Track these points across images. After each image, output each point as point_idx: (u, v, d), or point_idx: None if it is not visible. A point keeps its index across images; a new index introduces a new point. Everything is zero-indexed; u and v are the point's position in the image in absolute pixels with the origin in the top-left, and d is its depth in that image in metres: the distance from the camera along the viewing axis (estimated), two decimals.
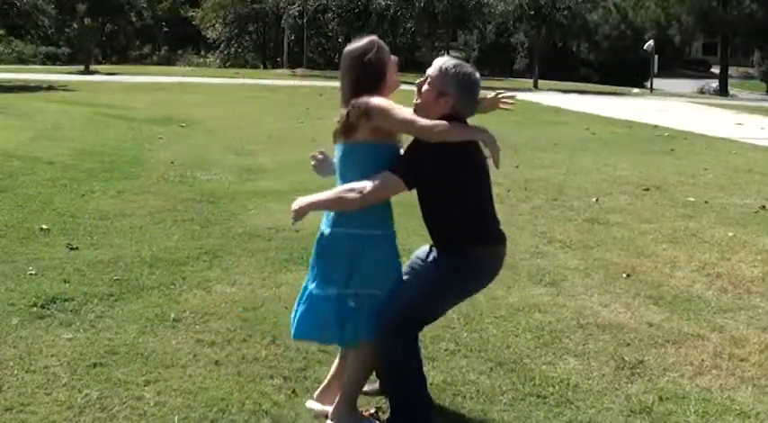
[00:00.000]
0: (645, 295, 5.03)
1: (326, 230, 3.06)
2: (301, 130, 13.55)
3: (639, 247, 6.22)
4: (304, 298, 3.13)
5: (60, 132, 11.94)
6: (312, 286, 3.09)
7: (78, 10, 38.16)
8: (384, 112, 2.95)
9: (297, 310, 3.15)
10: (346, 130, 3.01)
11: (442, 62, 3.11)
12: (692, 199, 8.29)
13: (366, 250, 3.00)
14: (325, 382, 3.34)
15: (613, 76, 50.77)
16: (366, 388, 3.31)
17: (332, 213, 3.07)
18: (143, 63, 51.13)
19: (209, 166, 9.35)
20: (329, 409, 3.21)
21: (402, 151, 3.08)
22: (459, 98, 3.05)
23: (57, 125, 12.84)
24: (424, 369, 3.23)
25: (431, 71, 3.10)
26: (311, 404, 3.31)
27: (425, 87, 3.07)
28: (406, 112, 2.99)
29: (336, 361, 3.34)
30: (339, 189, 3.03)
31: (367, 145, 2.99)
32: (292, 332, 3.19)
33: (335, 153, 3.14)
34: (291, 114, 16.59)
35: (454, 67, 3.07)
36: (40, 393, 3.37)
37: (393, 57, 3.11)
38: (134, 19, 54.59)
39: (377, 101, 2.96)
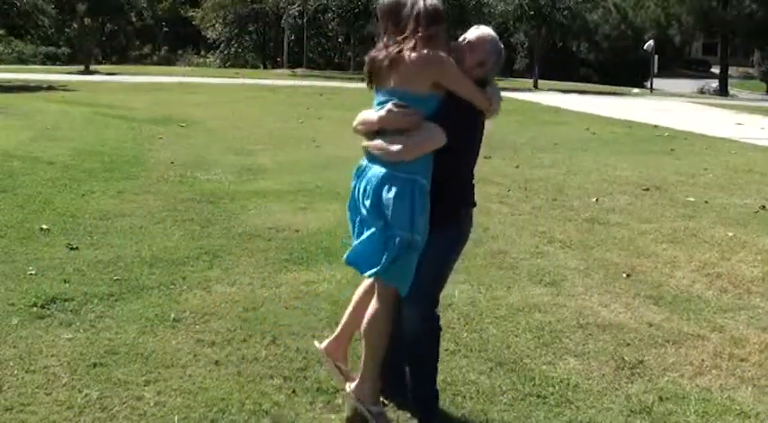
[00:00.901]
0: (645, 295, 5.03)
1: (396, 174, 2.97)
2: (301, 130, 13.55)
3: (639, 247, 6.22)
4: (370, 236, 3.03)
5: (60, 132, 11.93)
6: (376, 229, 3.00)
7: (78, 10, 38.12)
8: (454, 76, 2.98)
9: (360, 245, 3.08)
10: (393, 64, 2.93)
11: (488, 32, 3.16)
12: (692, 199, 8.29)
13: (425, 198, 2.99)
14: (336, 333, 3.35)
15: (613, 76, 50.75)
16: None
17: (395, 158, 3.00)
18: (143, 63, 51.12)
19: (209, 166, 9.34)
20: (339, 364, 3.28)
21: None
22: (492, 69, 3.14)
23: (57, 125, 12.83)
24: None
25: (473, 37, 3.12)
26: (318, 344, 3.36)
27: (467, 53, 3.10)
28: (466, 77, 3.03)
29: (348, 312, 3.32)
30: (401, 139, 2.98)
31: (423, 97, 2.97)
32: (350, 257, 3.12)
33: (379, 98, 3.05)
34: (291, 114, 16.59)
35: (497, 39, 3.17)
36: (40, 393, 3.37)
37: None
38: (134, 19, 54.60)
39: (446, 57, 2.97)
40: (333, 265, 5.35)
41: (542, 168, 10.14)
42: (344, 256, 3.16)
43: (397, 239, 2.96)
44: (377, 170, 3.01)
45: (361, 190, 3.07)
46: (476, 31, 3.16)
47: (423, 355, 3.23)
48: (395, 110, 2.97)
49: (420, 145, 2.96)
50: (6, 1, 28.84)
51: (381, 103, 3.04)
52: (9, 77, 25.44)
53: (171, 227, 6.34)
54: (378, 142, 3.01)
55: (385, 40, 3.03)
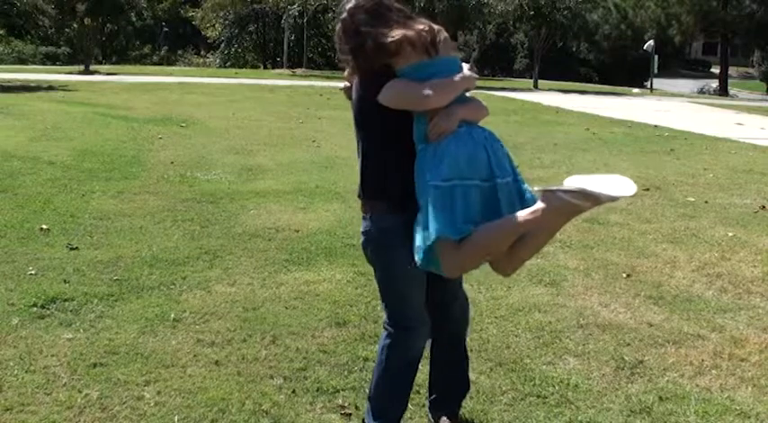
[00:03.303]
0: (645, 295, 5.03)
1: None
2: (301, 130, 13.54)
3: (639, 247, 6.22)
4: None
5: (60, 132, 11.93)
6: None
7: (78, 10, 38.06)
8: None
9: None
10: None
11: None
12: (692, 199, 8.29)
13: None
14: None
15: (613, 76, 50.72)
16: None
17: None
18: (143, 63, 51.08)
19: (209, 166, 9.34)
20: None
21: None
22: None
23: (57, 125, 12.82)
24: (427, 368, 3.27)
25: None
26: None
27: None
28: None
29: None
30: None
31: None
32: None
33: (441, 65, 2.85)
34: (291, 114, 16.58)
35: None
36: (40, 393, 3.37)
37: None
38: (134, 19, 54.58)
39: None
40: (333, 265, 5.36)
41: (542, 168, 10.13)
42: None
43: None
44: (484, 130, 2.96)
45: (490, 153, 2.91)
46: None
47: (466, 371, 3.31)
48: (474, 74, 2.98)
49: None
50: (6, 1, 28.82)
51: (441, 71, 2.85)
52: (9, 77, 25.41)
53: (171, 227, 6.35)
54: (473, 103, 2.96)
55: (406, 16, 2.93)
